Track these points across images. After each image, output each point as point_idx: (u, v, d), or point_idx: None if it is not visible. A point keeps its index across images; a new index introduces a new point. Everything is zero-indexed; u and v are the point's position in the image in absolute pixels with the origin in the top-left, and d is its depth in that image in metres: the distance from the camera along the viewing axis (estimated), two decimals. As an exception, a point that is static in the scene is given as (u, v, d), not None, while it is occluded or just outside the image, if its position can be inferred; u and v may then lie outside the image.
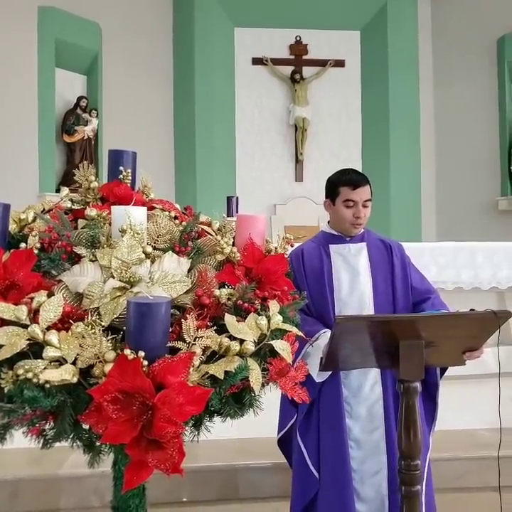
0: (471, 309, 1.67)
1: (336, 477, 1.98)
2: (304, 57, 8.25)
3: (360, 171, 2.19)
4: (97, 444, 1.22)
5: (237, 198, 5.07)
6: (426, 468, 2.01)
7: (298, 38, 8.22)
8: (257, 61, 8.17)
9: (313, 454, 2.03)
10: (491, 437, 2.85)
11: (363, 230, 2.15)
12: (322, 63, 8.21)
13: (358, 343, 1.60)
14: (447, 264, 3.72)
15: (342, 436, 1.99)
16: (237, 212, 4.70)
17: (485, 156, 7.84)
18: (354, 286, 2.08)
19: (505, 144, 7.67)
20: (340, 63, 8.24)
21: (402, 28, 8.07)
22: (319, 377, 1.92)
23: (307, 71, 8.22)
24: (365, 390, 2.02)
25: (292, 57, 8.25)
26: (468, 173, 7.96)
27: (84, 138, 7.01)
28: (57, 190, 6.55)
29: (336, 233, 2.15)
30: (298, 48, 8.24)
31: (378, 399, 2.01)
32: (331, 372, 1.95)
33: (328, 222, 2.20)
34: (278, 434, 2.19)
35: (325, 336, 1.88)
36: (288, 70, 8.20)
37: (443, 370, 2.06)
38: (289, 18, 7.99)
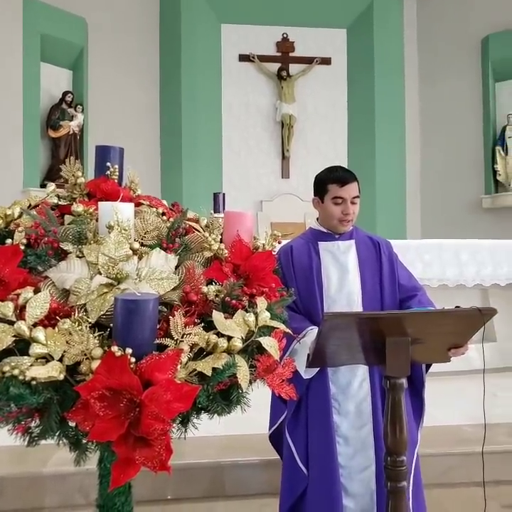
0: (457, 306, 1.68)
1: (323, 473, 1.99)
2: (291, 54, 8.27)
3: (346, 167, 2.19)
4: (84, 441, 1.21)
5: (224, 194, 5.06)
6: (413, 463, 2.03)
7: (285, 35, 8.23)
8: (244, 58, 8.16)
9: (302, 450, 2.04)
10: (474, 433, 2.89)
11: (351, 227, 2.16)
12: (309, 61, 8.23)
13: (345, 340, 1.61)
14: (432, 261, 3.76)
15: (329, 433, 2.00)
16: (223, 208, 4.69)
17: (469, 154, 7.93)
18: (343, 283, 2.09)
19: (489, 142, 7.76)
20: (326, 61, 8.26)
21: (388, 27, 8.12)
22: (306, 373, 1.92)
23: (294, 68, 8.23)
24: (353, 386, 2.03)
25: (279, 54, 8.25)
26: (453, 171, 8.04)
27: (70, 133, 6.95)
28: (42, 186, 6.49)
29: (324, 230, 2.15)
30: (285, 45, 8.25)
31: (366, 396, 2.03)
32: (318, 369, 1.96)
33: (317, 219, 2.21)
34: (269, 429, 2.19)
35: (312, 332, 1.89)
36: (275, 67, 8.21)
37: (427, 367, 2.08)
38: (275, 15, 7.99)
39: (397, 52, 8.22)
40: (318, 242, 2.14)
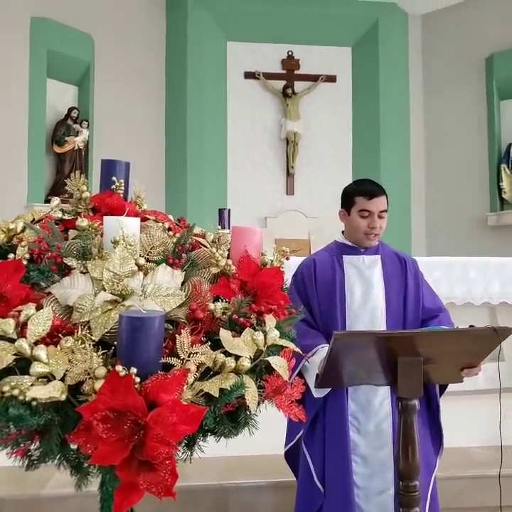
0: (471, 326, 1.64)
1: (338, 492, 1.93)
2: (296, 72, 8.31)
3: (375, 181, 2.14)
4: (86, 465, 1.16)
5: (229, 210, 5.04)
6: (430, 488, 1.97)
7: (290, 53, 8.29)
8: (249, 75, 8.21)
9: (319, 465, 1.98)
10: (485, 455, 2.81)
11: (377, 242, 2.12)
12: (314, 78, 8.28)
13: (356, 360, 1.57)
14: (441, 278, 3.71)
15: (345, 451, 1.94)
16: (229, 224, 4.68)
17: (475, 171, 7.91)
18: (367, 298, 2.03)
19: (495, 160, 7.75)
20: (331, 78, 8.30)
21: (393, 45, 8.17)
22: (317, 393, 1.87)
23: (299, 86, 8.27)
24: (374, 405, 1.97)
25: (284, 71, 8.30)
26: (458, 188, 8.02)
27: (75, 148, 6.97)
28: (46, 201, 6.48)
29: (350, 244, 2.10)
30: (290, 63, 8.30)
31: (387, 416, 1.96)
32: (330, 389, 1.91)
33: (342, 232, 2.16)
34: (285, 446, 2.13)
35: (322, 351, 1.85)
36: (280, 84, 8.25)
37: (441, 390, 2.02)
38: (281, 33, 8.06)
39: (402, 70, 8.26)
40: (343, 256, 2.10)
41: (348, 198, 2.07)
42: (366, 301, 2.03)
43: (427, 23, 8.41)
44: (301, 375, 1.90)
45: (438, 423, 2.03)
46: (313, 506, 1.98)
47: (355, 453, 1.96)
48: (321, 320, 2.02)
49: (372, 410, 1.97)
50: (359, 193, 2.03)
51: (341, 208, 2.10)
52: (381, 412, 1.97)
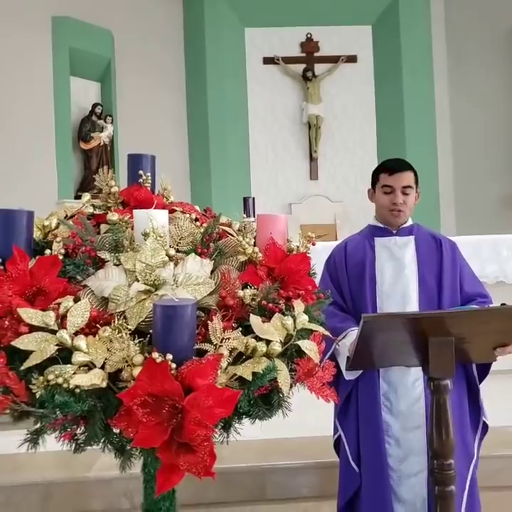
0: (502, 304, 1.63)
1: (373, 474, 1.94)
2: (316, 54, 8.22)
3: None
4: (128, 447, 1.22)
5: (254, 198, 5.07)
6: (469, 476, 1.95)
7: (309, 36, 8.20)
8: (269, 60, 8.16)
9: (353, 446, 1.99)
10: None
11: (411, 222, 2.10)
12: (334, 60, 8.17)
13: (386, 341, 1.58)
14: (470, 257, 3.67)
15: (379, 432, 1.95)
16: (254, 212, 4.70)
17: (503, 148, 7.73)
18: (398, 278, 2.01)
19: (523, 135, 7.55)
20: (352, 59, 8.19)
21: (414, 20, 7.99)
22: (348, 375, 1.89)
23: (319, 68, 8.18)
24: (406, 386, 1.96)
25: (303, 54, 8.22)
26: (487, 166, 7.85)
27: (100, 144, 7.07)
28: (76, 197, 6.62)
29: (381, 225, 2.09)
30: (309, 46, 8.21)
31: (419, 397, 1.95)
32: (361, 371, 1.92)
33: (375, 215, 2.16)
34: (333, 436, 2.14)
35: (352, 334, 1.86)
36: (300, 68, 8.18)
37: (484, 373, 2.00)
38: (299, 15, 7.97)
39: (425, 46, 8.07)
40: (375, 238, 2.09)
41: (373, 176, 2.08)
42: (397, 282, 2.02)
43: (449, -5, 8.19)
44: (333, 357, 1.92)
45: (478, 405, 2.00)
46: (351, 488, 2.01)
47: (388, 434, 1.96)
48: (352, 302, 2.03)
49: (404, 391, 1.97)
50: (381, 169, 2.04)
51: (371, 187, 2.10)
52: (413, 392, 1.97)
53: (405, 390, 1.97)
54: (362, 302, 2.01)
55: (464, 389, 2.01)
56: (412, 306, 1.99)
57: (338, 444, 2.13)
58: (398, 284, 2.02)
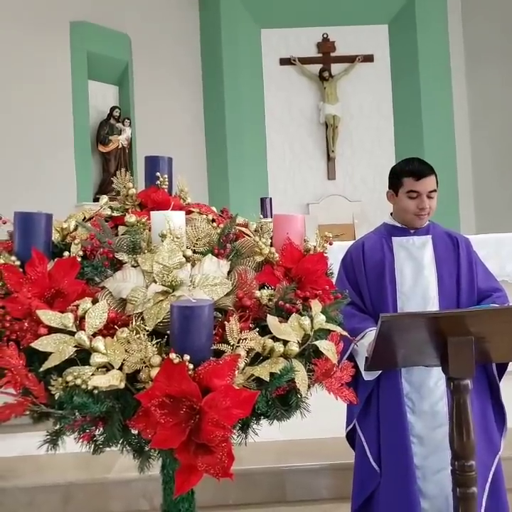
0: (522, 302, 1.61)
1: (398, 473, 1.93)
2: (332, 54, 8.19)
3: (424, 160, 2.08)
4: (147, 449, 1.22)
5: (271, 199, 5.06)
6: (493, 469, 1.95)
7: (325, 36, 8.17)
8: (285, 61, 8.16)
9: (374, 445, 1.98)
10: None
11: (428, 222, 2.08)
12: (351, 59, 8.14)
13: (405, 341, 1.57)
14: (490, 256, 3.62)
15: (403, 432, 1.94)
16: (271, 213, 4.69)
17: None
18: (418, 279, 2.00)
19: (545, 130, 7.42)
20: (368, 58, 8.14)
21: (431, 19, 7.91)
22: (367, 375, 1.88)
23: (336, 68, 8.15)
24: (428, 386, 1.95)
25: (320, 55, 8.20)
26: (505, 164, 7.73)
27: (119, 147, 7.14)
28: (95, 200, 6.69)
29: (399, 225, 2.07)
30: (325, 46, 8.19)
31: (442, 396, 1.94)
32: (380, 372, 1.91)
33: (391, 213, 2.14)
34: (346, 428, 2.14)
35: (370, 334, 1.85)
36: (316, 68, 8.16)
37: (502, 370, 1.98)
38: (314, 16, 7.95)
39: (442, 45, 7.99)
40: (392, 238, 2.07)
41: (395, 179, 2.03)
42: (417, 283, 2.01)
43: (467, -8, 8.09)
44: (352, 358, 1.91)
45: (500, 403, 1.99)
46: (369, 486, 2.00)
47: (411, 433, 1.96)
48: (371, 303, 2.01)
49: (426, 391, 1.96)
50: (407, 173, 1.99)
51: (389, 189, 2.06)
52: (436, 392, 1.95)
53: (428, 390, 1.96)
54: (382, 303, 2.00)
55: (486, 386, 2.00)
56: (433, 306, 1.98)
57: (350, 435, 2.12)
58: (418, 285, 2.01)
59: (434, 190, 1.98)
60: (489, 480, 1.94)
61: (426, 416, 1.95)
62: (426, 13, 7.90)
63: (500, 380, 2.01)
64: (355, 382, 1.92)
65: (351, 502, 2.07)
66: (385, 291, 2.00)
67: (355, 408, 2.05)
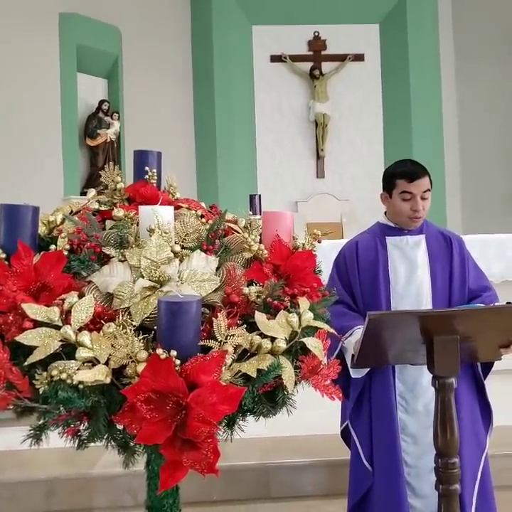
0: (508, 303, 1.63)
1: (387, 471, 1.94)
2: (323, 52, 8.20)
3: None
4: (132, 444, 1.22)
5: (260, 195, 5.05)
6: (480, 468, 1.96)
7: (316, 34, 8.17)
8: (276, 58, 8.15)
9: (366, 446, 1.99)
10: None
11: (422, 221, 2.10)
12: (341, 58, 8.15)
13: (391, 339, 1.58)
14: (476, 257, 3.65)
15: (394, 431, 1.94)
16: (260, 210, 4.69)
17: (510, 146, 7.69)
18: (411, 278, 2.01)
19: (531, 133, 7.50)
20: (359, 57, 8.16)
21: (422, 19, 7.95)
22: (355, 373, 1.88)
23: (326, 66, 8.16)
24: (421, 385, 1.96)
25: (311, 53, 8.20)
26: (493, 164, 7.80)
27: (107, 141, 7.09)
28: (82, 193, 6.64)
29: (392, 225, 2.08)
30: (316, 44, 8.19)
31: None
32: (368, 369, 1.91)
33: (385, 213, 2.14)
34: (340, 426, 2.14)
35: (358, 332, 1.85)
36: (307, 66, 8.16)
37: (487, 369, 2.00)
38: (306, 14, 7.94)
39: (432, 45, 8.03)
40: (386, 237, 2.07)
41: (388, 181, 2.03)
42: (411, 282, 2.02)
43: (457, -7, 8.14)
44: (342, 356, 1.92)
45: (487, 402, 2.01)
46: (362, 486, 2.00)
47: (404, 432, 1.97)
48: (363, 302, 2.02)
49: (419, 390, 1.96)
50: (400, 175, 1.99)
51: (383, 190, 2.06)
52: (429, 391, 1.94)
53: (421, 389, 1.96)
54: (376, 302, 2.00)
55: (473, 385, 2.02)
56: (427, 305, 2.00)
57: (345, 434, 2.13)
58: (412, 285, 2.02)
59: (428, 190, 1.99)
60: (478, 479, 1.96)
61: (419, 415, 1.96)
62: (417, 14, 7.94)
63: (485, 379, 2.03)
64: (347, 379, 1.93)
65: (347, 500, 2.08)
66: (378, 290, 2.01)
67: (348, 406, 2.06)
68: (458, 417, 1.62)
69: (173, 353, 1.09)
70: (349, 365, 1.88)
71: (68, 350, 1.12)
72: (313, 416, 2.51)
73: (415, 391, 1.98)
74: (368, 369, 1.91)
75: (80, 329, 1.15)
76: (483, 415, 2.02)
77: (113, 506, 2.53)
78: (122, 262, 1.31)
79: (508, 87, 7.69)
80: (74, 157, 6.86)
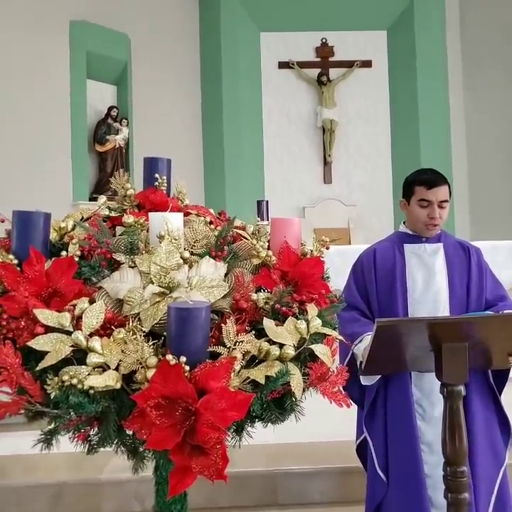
0: (517, 310, 1.62)
1: (408, 482, 1.91)
2: (331, 59, 8.22)
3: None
4: (141, 449, 1.22)
5: (267, 201, 5.06)
6: (498, 481, 1.94)
7: (324, 40, 8.20)
8: (284, 65, 8.18)
9: (381, 452, 1.96)
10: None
11: (439, 231, 2.10)
12: (349, 64, 8.16)
13: (400, 346, 1.57)
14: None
15: (413, 440, 1.92)
16: (267, 215, 4.70)
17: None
18: (429, 285, 2.02)
19: (539, 140, 7.47)
20: (367, 64, 8.17)
21: (429, 26, 7.96)
22: (365, 380, 1.88)
23: (334, 73, 8.18)
24: (437, 392, 1.95)
25: (318, 59, 8.22)
26: (501, 171, 7.77)
27: (116, 147, 7.13)
28: (91, 199, 6.67)
29: (411, 233, 2.10)
30: (324, 50, 8.21)
31: None
32: (379, 376, 1.90)
33: (404, 222, 2.16)
34: (356, 440, 2.12)
35: (367, 338, 1.85)
36: (314, 72, 8.18)
37: (503, 379, 1.98)
38: (314, 20, 7.97)
39: (440, 51, 8.03)
40: (404, 245, 2.09)
41: (408, 188, 2.05)
42: (428, 288, 2.02)
43: (465, 0, 8.13)
44: (353, 363, 1.91)
45: (504, 413, 1.99)
46: (377, 495, 1.98)
47: (421, 441, 1.95)
48: (380, 308, 2.02)
49: (436, 397, 1.94)
50: (418, 182, 2.01)
51: (402, 197, 2.09)
52: None
53: (439, 397, 1.94)
54: (392, 309, 2.01)
55: (490, 396, 2.00)
56: (444, 312, 1.99)
57: (360, 449, 2.11)
58: (429, 291, 2.02)
59: (446, 201, 2.00)
60: (495, 493, 1.93)
61: (437, 423, 1.93)
62: (424, 21, 7.95)
63: (501, 391, 2.01)
64: (362, 386, 1.92)
65: (365, 509, 2.05)
66: (395, 296, 2.01)
67: (362, 415, 2.04)
68: (472, 429, 1.60)
69: (183, 358, 1.10)
70: (359, 372, 1.88)
71: (79, 355, 1.13)
72: (321, 423, 2.51)
73: (432, 398, 1.96)
74: (379, 376, 1.90)
75: (91, 335, 1.16)
76: (502, 429, 1.99)
77: (120, 511, 2.53)
78: (132, 268, 1.32)
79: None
80: (83, 163, 6.90)
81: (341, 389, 1.35)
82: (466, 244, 2.14)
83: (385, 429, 1.97)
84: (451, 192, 2.03)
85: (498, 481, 1.95)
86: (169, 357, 1.10)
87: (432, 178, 2.00)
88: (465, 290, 2.03)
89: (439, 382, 1.88)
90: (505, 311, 1.78)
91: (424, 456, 1.94)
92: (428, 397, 1.97)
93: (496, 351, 1.65)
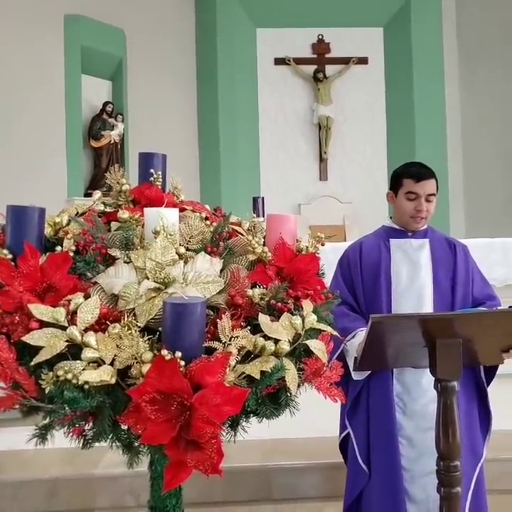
0: (510, 306, 1.63)
1: (385, 475, 1.93)
2: (327, 55, 8.21)
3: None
4: (136, 444, 1.23)
5: (263, 198, 5.06)
6: (475, 476, 1.96)
7: (320, 37, 8.19)
8: (280, 61, 8.16)
9: (363, 445, 1.98)
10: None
11: (426, 226, 2.11)
12: (345, 61, 8.16)
13: (394, 342, 1.58)
14: (479, 261, 3.65)
15: (391, 433, 1.94)
16: (263, 212, 4.70)
17: (513, 150, 7.68)
18: (413, 280, 2.03)
19: (535, 137, 7.50)
20: (363, 61, 8.17)
21: (426, 23, 7.96)
22: (357, 375, 1.89)
23: (330, 69, 8.18)
24: (421, 387, 1.96)
25: (315, 56, 8.21)
26: (496, 169, 7.80)
27: (111, 142, 7.11)
28: (86, 195, 6.66)
29: (397, 227, 2.11)
30: (320, 47, 8.21)
31: (434, 398, 1.95)
32: (369, 372, 1.92)
33: (390, 217, 2.17)
34: (339, 435, 2.14)
35: (360, 334, 1.86)
36: (311, 69, 8.17)
37: (491, 375, 2.00)
38: (310, 16, 7.96)
39: (436, 48, 8.04)
40: (390, 239, 2.10)
41: (395, 180, 2.07)
42: (412, 283, 2.03)
43: (461, -3, 8.15)
44: (342, 357, 1.92)
45: (487, 408, 2.01)
46: (357, 487, 2.00)
47: (400, 435, 1.96)
48: (365, 303, 2.03)
49: (418, 392, 1.96)
50: (406, 174, 2.03)
51: (390, 189, 2.10)
52: (429, 394, 1.95)
53: (420, 391, 1.96)
54: (376, 303, 2.02)
55: (473, 391, 2.02)
56: (427, 308, 2.00)
57: (344, 444, 2.13)
58: (413, 286, 2.03)
59: (434, 194, 2.01)
60: (471, 489, 1.95)
61: (417, 417, 1.95)
62: (421, 18, 7.95)
63: (488, 386, 2.03)
64: (346, 381, 1.93)
65: (343, 500, 2.08)
66: (379, 290, 2.02)
67: (346, 410, 2.06)
68: None
69: (178, 354, 1.10)
70: (350, 368, 1.89)
71: (74, 350, 1.13)
72: (314, 418, 2.52)
73: (413, 393, 1.98)
74: (369, 372, 1.92)
75: (86, 330, 1.16)
76: (482, 423, 2.02)
77: (115, 507, 2.53)
78: (127, 263, 1.32)
79: (511, 89, 7.69)
80: (78, 158, 6.88)
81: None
82: (453, 241, 2.15)
83: (367, 423, 1.99)
84: (438, 186, 2.04)
85: (475, 477, 1.97)
86: (164, 352, 1.10)
87: (420, 172, 2.02)
88: (450, 286, 2.04)
89: (423, 377, 1.91)
90: (498, 308, 1.79)
91: (403, 449, 1.96)
92: (409, 392, 1.98)
93: (488, 347, 1.66)
